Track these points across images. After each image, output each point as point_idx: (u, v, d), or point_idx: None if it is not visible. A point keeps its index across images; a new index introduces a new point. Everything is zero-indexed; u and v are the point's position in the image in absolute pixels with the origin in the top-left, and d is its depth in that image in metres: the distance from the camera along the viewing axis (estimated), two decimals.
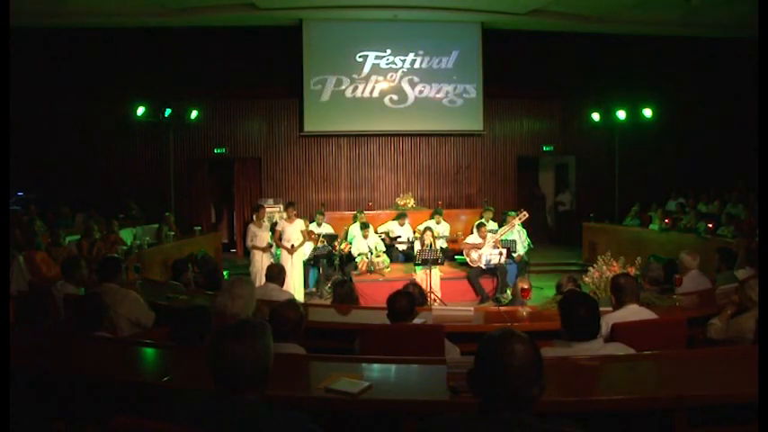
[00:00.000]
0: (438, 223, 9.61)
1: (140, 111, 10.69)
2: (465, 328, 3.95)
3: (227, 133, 12.04)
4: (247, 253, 8.60)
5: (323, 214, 9.64)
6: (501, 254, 7.90)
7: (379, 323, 3.74)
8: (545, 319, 4.09)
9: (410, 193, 11.52)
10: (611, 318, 3.23)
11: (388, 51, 11.70)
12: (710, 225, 8.50)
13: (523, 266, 8.68)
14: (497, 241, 8.13)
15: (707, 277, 5.11)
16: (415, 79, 11.82)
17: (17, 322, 3.63)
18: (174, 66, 11.59)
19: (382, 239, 9.32)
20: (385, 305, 3.61)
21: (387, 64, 11.77)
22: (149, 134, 11.59)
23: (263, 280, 5.21)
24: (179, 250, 8.69)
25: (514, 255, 8.42)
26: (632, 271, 4.65)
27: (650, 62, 12.28)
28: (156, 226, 9.71)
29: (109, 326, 3.38)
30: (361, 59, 11.65)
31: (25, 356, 2.71)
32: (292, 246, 7.94)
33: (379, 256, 8.66)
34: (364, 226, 9.00)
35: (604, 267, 4.76)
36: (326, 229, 9.41)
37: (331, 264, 9.07)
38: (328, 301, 6.53)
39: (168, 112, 10.90)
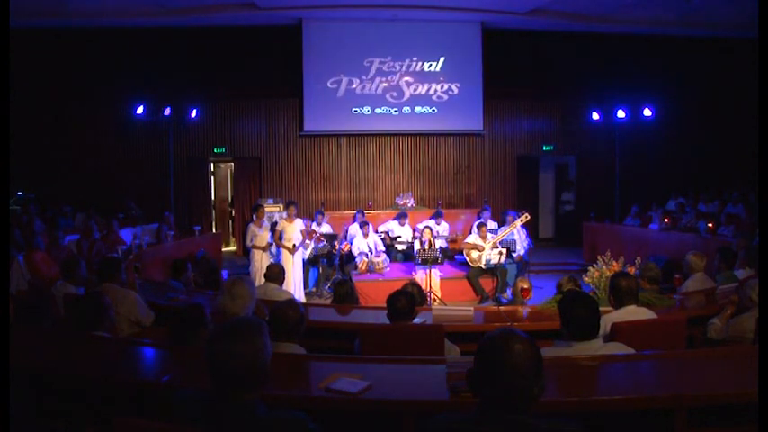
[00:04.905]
0: (438, 224, 9.61)
1: (140, 109, 10.68)
2: (465, 328, 3.95)
3: (227, 133, 12.04)
4: (247, 253, 8.60)
5: (323, 214, 9.64)
6: (501, 254, 7.90)
7: (379, 323, 3.75)
8: (545, 319, 4.09)
9: (410, 193, 11.52)
10: (610, 317, 3.23)
11: (390, 58, 11.85)
12: (711, 225, 8.50)
13: (523, 266, 8.68)
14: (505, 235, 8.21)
15: (712, 280, 5.11)
16: (411, 80, 11.93)
17: (17, 322, 3.63)
18: (174, 66, 11.60)
19: (382, 239, 9.32)
20: (385, 305, 3.61)
21: (388, 68, 11.88)
22: (149, 134, 11.59)
23: (263, 280, 5.21)
24: (179, 250, 8.69)
25: (514, 255, 8.42)
26: (632, 270, 4.64)
27: (650, 62, 12.28)
28: (157, 226, 9.71)
29: (109, 325, 3.37)
30: (367, 64, 11.81)
31: (25, 356, 2.71)
32: (294, 245, 7.93)
33: (378, 256, 8.67)
34: (364, 225, 9.00)
35: (604, 267, 4.75)
36: (326, 228, 9.41)
37: (331, 264, 9.07)
38: (328, 301, 6.53)
39: (168, 110, 10.89)
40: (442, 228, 9.70)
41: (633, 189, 11.92)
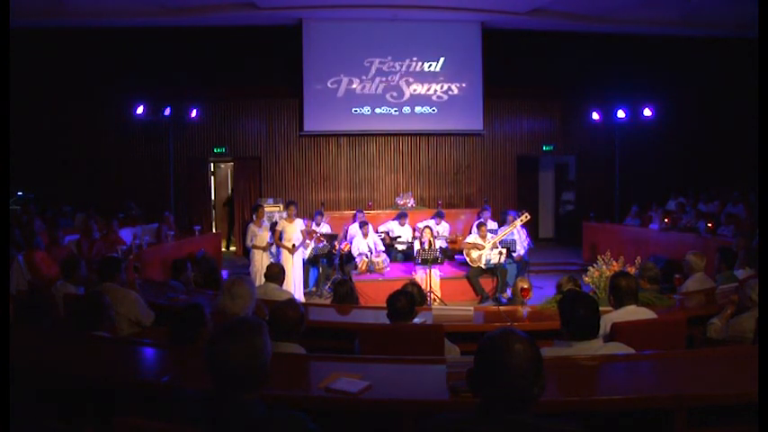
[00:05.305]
0: (438, 224, 9.61)
1: (140, 109, 10.68)
2: (465, 328, 3.95)
3: (227, 133, 12.04)
4: (247, 253, 8.59)
5: (322, 214, 9.64)
6: (501, 254, 7.90)
7: (378, 323, 3.75)
8: (545, 319, 4.09)
9: (410, 193, 11.53)
10: (610, 317, 3.23)
11: (390, 58, 11.86)
12: (710, 225, 8.50)
13: (523, 266, 8.68)
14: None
15: (712, 280, 5.11)
16: (411, 80, 11.94)
17: (17, 322, 3.63)
18: (174, 66, 11.59)
19: (382, 239, 9.32)
20: (385, 305, 3.61)
21: (388, 68, 11.89)
22: (149, 134, 11.59)
23: (263, 280, 5.21)
24: (179, 250, 8.70)
25: (514, 255, 8.42)
26: (632, 270, 4.64)
27: (650, 62, 12.28)
28: (157, 226, 9.71)
29: (109, 325, 3.37)
30: (367, 64, 11.82)
31: (25, 356, 2.71)
32: (293, 245, 7.93)
33: (378, 256, 8.68)
34: (363, 225, 9.00)
35: (604, 267, 4.75)
36: (326, 229, 9.40)
37: (331, 264, 9.07)
38: (328, 301, 6.53)
39: (168, 110, 10.89)
40: (442, 228, 9.70)
41: (633, 189, 11.92)
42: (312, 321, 4.00)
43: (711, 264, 5.47)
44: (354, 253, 8.92)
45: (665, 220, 9.45)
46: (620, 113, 11.46)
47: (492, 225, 9.12)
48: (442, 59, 11.95)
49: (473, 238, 8.43)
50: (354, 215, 9.97)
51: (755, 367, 2.22)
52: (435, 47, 11.93)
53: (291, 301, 3.30)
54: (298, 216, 8.30)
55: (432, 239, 8.47)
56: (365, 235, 8.87)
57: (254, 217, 8.17)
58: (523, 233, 8.77)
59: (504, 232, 8.42)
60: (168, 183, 11.31)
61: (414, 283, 4.97)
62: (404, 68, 11.90)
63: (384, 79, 11.87)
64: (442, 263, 8.00)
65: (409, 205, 10.94)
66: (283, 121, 12.14)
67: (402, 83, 11.91)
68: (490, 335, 1.61)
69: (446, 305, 6.46)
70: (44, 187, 11.05)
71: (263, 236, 8.00)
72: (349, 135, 12.14)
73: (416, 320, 3.71)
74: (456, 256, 9.23)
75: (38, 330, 3.56)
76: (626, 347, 2.77)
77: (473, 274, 8.14)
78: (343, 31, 11.72)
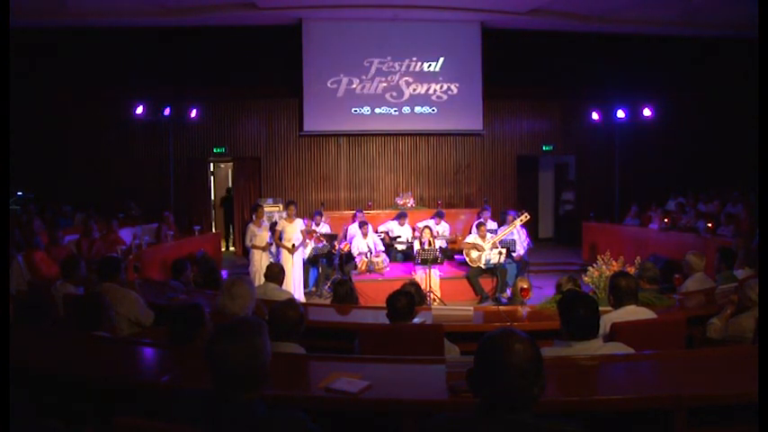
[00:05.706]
0: (438, 224, 9.61)
1: (140, 109, 10.68)
2: (464, 328, 3.95)
3: (227, 133, 12.04)
4: (247, 252, 8.60)
5: (321, 214, 9.63)
6: (501, 253, 7.90)
7: (378, 323, 3.75)
8: (545, 319, 4.09)
9: (410, 193, 11.53)
10: (610, 317, 3.23)
11: (389, 58, 11.86)
12: (710, 225, 8.50)
13: (523, 266, 8.68)
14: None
15: (712, 280, 5.11)
16: (410, 80, 11.94)
17: (17, 322, 3.62)
18: (174, 66, 11.59)
19: (382, 239, 9.32)
20: (385, 305, 3.62)
21: (388, 68, 11.89)
22: (149, 134, 11.59)
23: (263, 280, 5.21)
24: (179, 250, 8.70)
25: (514, 254, 8.42)
26: (632, 270, 4.64)
27: (650, 62, 12.28)
28: (156, 226, 9.71)
29: (109, 325, 3.37)
30: (367, 64, 11.81)
31: (25, 356, 2.71)
32: (293, 245, 7.93)
33: (378, 256, 8.68)
34: (363, 225, 9.00)
35: (604, 267, 4.75)
36: (325, 229, 9.40)
37: (331, 264, 9.07)
38: (328, 301, 6.53)
39: (168, 110, 10.88)
40: (442, 228, 9.70)
41: (633, 189, 11.92)
42: (312, 321, 4.00)
43: (711, 264, 5.47)
44: (354, 253, 8.91)
45: (665, 220, 9.46)
46: (620, 113, 11.46)
47: (492, 225, 9.12)
48: (441, 59, 11.95)
49: (473, 238, 8.43)
50: (354, 215, 9.97)
51: (755, 367, 2.22)
52: (435, 47, 11.92)
53: (291, 301, 3.30)
54: (297, 216, 8.29)
55: (431, 239, 8.47)
56: (365, 235, 8.86)
57: (253, 217, 8.16)
58: (523, 233, 8.77)
59: (503, 232, 8.42)
60: (168, 183, 11.31)
61: (413, 283, 4.96)
62: (403, 68, 11.90)
63: (384, 79, 11.87)
64: (441, 263, 8.00)
65: (409, 205, 10.94)
66: (283, 122, 12.14)
67: (402, 83, 11.91)
68: (490, 335, 1.61)
69: (446, 305, 6.46)
70: (44, 187, 11.05)
71: (263, 236, 8.00)
72: (349, 135, 12.14)
73: (416, 320, 3.71)
74: (456, 256, 9.23)
75: (38, 330, 3.56)
76: (626, 347, 2.77)
77: (473, 274, 8.14)
78: (342, 30, 11.72)
